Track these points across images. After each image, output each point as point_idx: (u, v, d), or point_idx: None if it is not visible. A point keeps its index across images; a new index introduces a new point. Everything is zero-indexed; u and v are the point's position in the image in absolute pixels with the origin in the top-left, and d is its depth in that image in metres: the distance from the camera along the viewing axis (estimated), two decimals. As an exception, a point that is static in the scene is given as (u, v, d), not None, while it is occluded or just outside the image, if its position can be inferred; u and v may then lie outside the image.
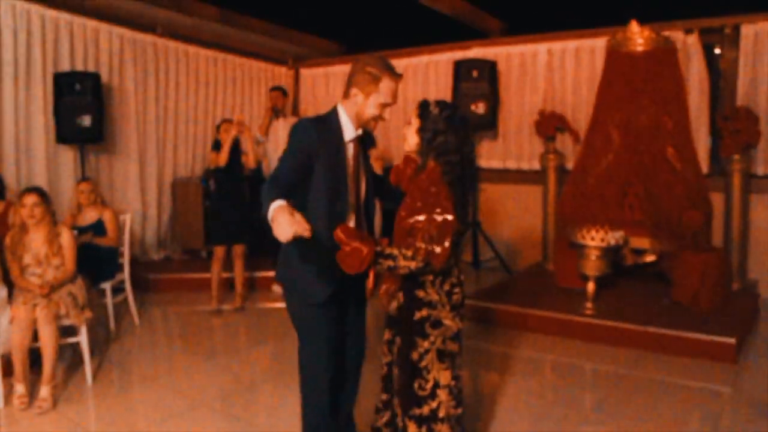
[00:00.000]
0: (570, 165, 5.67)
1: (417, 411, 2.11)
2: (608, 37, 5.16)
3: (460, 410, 2.18)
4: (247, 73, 7.37)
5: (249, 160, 4.84)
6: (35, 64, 5.20)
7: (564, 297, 4.66)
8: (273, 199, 1.83)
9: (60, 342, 3.27)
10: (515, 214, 6.38)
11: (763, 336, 4.22)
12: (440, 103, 2.11)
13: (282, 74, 7.84)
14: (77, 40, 5.53)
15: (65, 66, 5.40)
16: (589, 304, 4.37)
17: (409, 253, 1.97)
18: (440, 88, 6.53)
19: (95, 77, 5.32)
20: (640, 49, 4.87)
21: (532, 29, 6.19)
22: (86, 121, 5.18)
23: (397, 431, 2.17)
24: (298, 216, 1.77)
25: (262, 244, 5.06)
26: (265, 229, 1.84)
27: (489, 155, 6.52)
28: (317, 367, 2.24)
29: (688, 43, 5.29)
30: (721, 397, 3.37)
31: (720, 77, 5.43)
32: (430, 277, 2.08)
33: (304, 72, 7.90)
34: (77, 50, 5.53)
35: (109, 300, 4.33)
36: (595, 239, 4.25)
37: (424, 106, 2.11)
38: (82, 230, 4.13)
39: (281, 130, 6.08)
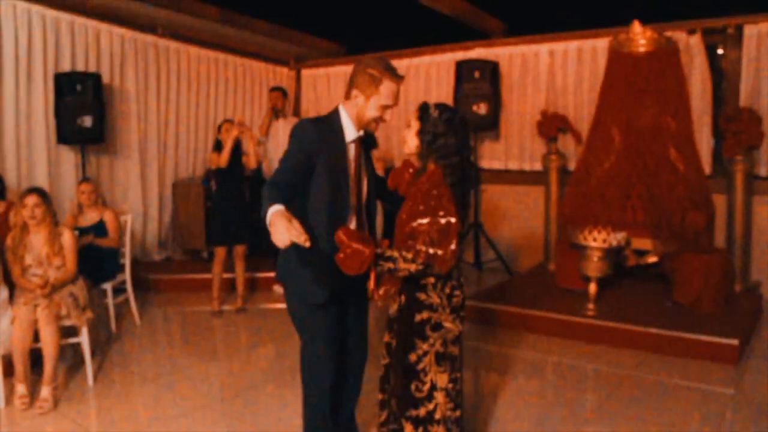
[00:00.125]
0: (572, 166, 5.67)
1: (413, 412, 2.10)
2: (610, 38, 5.15)
3: (458, 412, 2.16)
4: (248, 73, 7.37)
5: (250, 161, 4.84)
6: (36, 64, 5.20)
7: (565, 298, 4.66)
8: (272, 203, 1.82)
9: (61, 342, 3.27)
10: (517, 215, 6.37)
11: (765, 337, 4.21)
12: (440, 106, 2.11)
13: (284, 75, 7.84)
14: (78, 41, 5.53)
15: (66, 66, 5.40)
16: (590, 305, 4.36)
17: (410, 256, 1.96)
18: (442, 89, 6.50)
19: (96, 77, 5.33)
20: (642, 49, 4.86)
21: (534, 30, 6.18)
22: (87, 121, 5.19)
23: None
24: (295, 223, 1.76)
25: (262, 245, 5.06)
26: (266, 229, 1.83)
27: (491, 156, 6.51)
28: (318, 368, 2.24)
29: (690, 43, 5.27)
30: (723, 398, 3.35)
31: (723, 78, 5.41)
32: (432, 280, 2.07)
33: (306, 72, 7.88)
34: (78, 50, 5.53)
35: (110, 300, 4.33)
36: (596, 240, 4.25)
37: (423, 109, 2.11)
38: (83, 231, 4.13)
39: (281, 130, 6.08)
